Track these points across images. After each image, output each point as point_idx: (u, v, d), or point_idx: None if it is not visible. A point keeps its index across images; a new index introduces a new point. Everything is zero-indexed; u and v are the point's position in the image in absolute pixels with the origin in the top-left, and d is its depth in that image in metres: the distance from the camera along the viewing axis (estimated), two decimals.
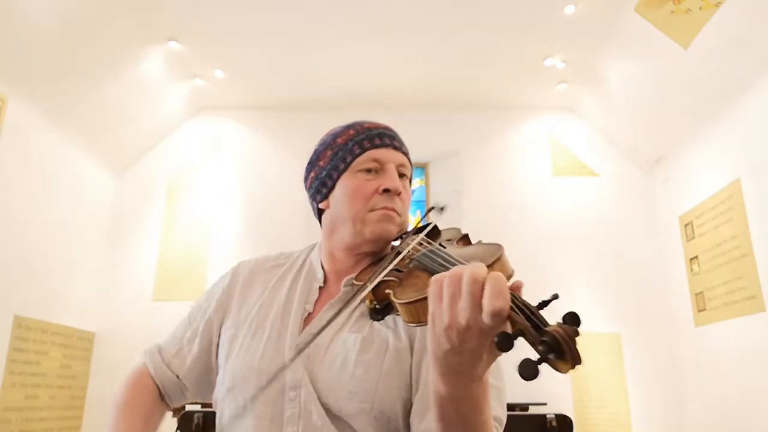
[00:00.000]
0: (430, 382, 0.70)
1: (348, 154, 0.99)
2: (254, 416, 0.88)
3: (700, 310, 4.08)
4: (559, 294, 0.59)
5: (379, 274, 0.81)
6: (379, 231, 0.96)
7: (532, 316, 0.56)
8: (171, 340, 1.07)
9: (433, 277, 0.62)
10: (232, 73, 4.66)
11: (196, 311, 1.08)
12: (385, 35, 4.21)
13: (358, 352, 0.87)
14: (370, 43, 4.31)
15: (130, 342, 4.28)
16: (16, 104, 3.58)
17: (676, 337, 4.40)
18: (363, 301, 0.90)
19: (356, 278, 0.93)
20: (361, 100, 4.96)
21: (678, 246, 4.39)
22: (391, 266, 0.82)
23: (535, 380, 0.52)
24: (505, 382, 0.88)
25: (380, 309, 0.84)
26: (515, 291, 0.60)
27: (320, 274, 1.02)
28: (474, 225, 4.60)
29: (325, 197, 1.02)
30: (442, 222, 1.01)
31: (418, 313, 0.72)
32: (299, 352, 0.88)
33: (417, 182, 5.32)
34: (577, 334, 0.53)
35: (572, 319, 0.54)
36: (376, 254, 0.99)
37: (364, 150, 0.99)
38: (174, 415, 3.14)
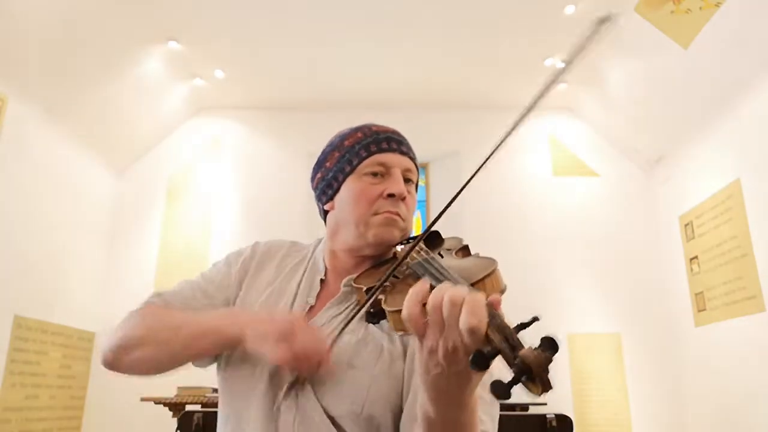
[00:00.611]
0: (419, 404, 0.72)
1: (354, 156, 0.99)
2: (252, 414, 0.88)
3: (700, 310, 4.08)
4: (539, 317, 0.60)
5: (382, 282, 0.82)
6: (382, 235, 0.96)
7: (509, 338, 0.56)
8: (175, 296, 1.01)
9: (404, 315, 0.63)
10: (232, 73, 4.66)
11: (206, 278, 1.04)
12: (385, 35, 4.21)
13: (351, 354, 0.87)
14: (370, 43, 4.31)
15: None
16: (16, 104, 3.58)
17: (676, 337, 4.40)
18: (358, 304, 0.91)
19: (355, 280, 0.93)
20: (362, 100, 4.96)
21: (678, 246, 4.39)
22: (390, 272, 0.82)
23: None
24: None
25: (375, 312, 0.85)
26: (493, 306, 0.60)
27: (322, 268, 1.03)
28: (474, 225, 4.60)
29: (331, 198, 1.02)
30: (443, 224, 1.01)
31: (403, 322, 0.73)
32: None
33: None
34: (549, 360, 0.53)
35: (549, 344, 0.54)
36: (377, 257, 1.00)
37: (370, 153, 0.99)
38: (174, 415, 3.14)
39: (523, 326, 0.58)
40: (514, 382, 0.53)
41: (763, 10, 3.09)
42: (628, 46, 4.03)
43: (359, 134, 1.02)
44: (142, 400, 3.24)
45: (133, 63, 4.16)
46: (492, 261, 0.76)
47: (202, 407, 2.86)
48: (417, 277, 0.80)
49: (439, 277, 0.73)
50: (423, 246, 0.90)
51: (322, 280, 1.01)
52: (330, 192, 1.02)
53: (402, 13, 3.93)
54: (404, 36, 4.20)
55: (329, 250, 1.04)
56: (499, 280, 0.73)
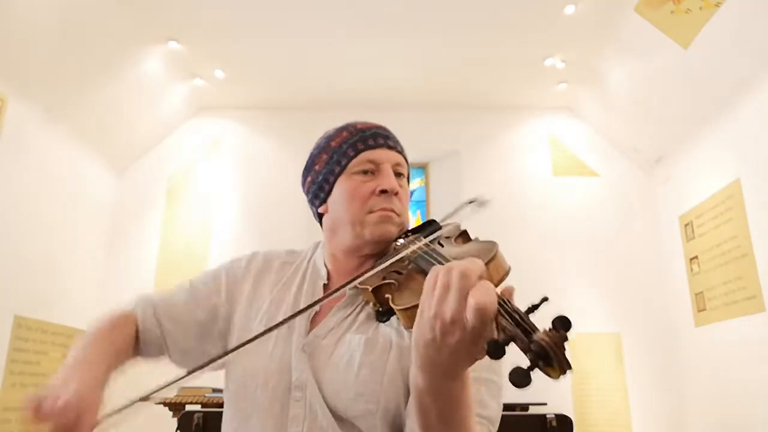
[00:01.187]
0: (410, 375, 0.71)
1: (343, 157, 0.99)
2: (260, 416, 0.88)
3: (700, 310, 4.08)
4: (548, 297, 0.59)
5: (373, 268, 0.82)
6: (380, 233, 0.96)
7: (522, 322, 0.55)
8: (167, 302, 1.04)
9: (432, 268, 0.63)
10: (232, 73, 4.66)
11: (199, 284, 1.06)
12: (385, 35, 4.21)
13: (363, 353, 0.87)
14: (371, 43, 4.31)
15: None
16: (16, 104, 3.58)
17: (676, 337, 4.40)
18: (367, 303, 0.91)
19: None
20: (361, 100, 4.96)
21: (678, 246, 4.39)
22: (384, 265, 0.82)
23: (535, 380, 0.52)
24: (502, 377, 0.88)
25: (385, 311, 0.85)
26: (507, 296, 0.60)
27: (324, 273, 1.03)
28: (474, 225, 4.57)
29: (324, 201, 1.02)
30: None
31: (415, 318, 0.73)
32: (305, 309, 0.89)
33: (417, 182, 5.32)
34: (565, 339, 0.52)
35: (562, 324, 0.53)
36: (378, 255, 0.99)
37: (358, 152, 0.98)
38: (174, 415, 3.14)
39: (534, 308, 0.57)
40: (531, 367, 0.52)
41: (763, 10, 3.09)
42: (628, 46, 4.03)
43: (345, 133, 1.01)
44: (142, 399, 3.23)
45: (133, 63, 4.16)
46: (493, 244, 0.76)
47: (202, 407, 2.86)
48: (421, 272, 0.79)
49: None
50: (421, 238, 0.90)
51: (325, 285, 1.01)
52: (322, 195, 1.02)
53: (402, 13, 3.92)
54: (404, 36, 4.20)
55: (329, 254, 1.04)
56: (502, 262, 0.73)
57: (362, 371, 0.85)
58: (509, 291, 0.62)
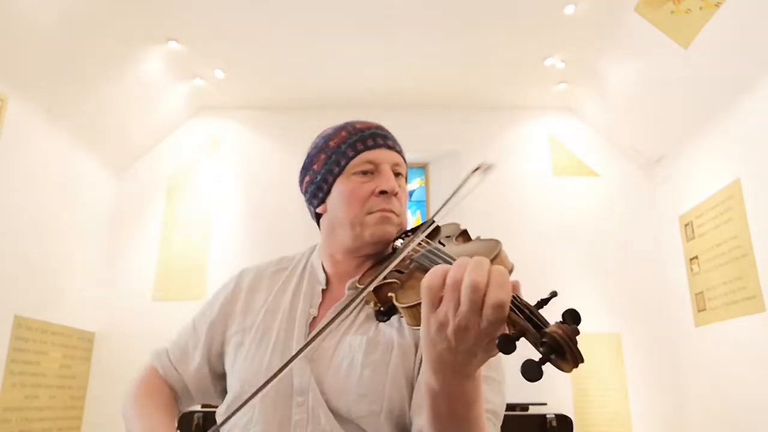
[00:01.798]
0: (423, 378, 0.70)
1: (342, 157, 0.98)
2: (262, 422, 0.87)
3: (700, 310, 4.08)
4: (557, 292, 0.59)
5: (378, 276, 0.81)
6: (379, 233, 0.95)
7: (533, 316, 0.55)
8: (176, 346, 1.07)
9: (424, 283, 0.61)
10: (232, 73, 4.65)
11: (199, 319, 1.07)
12: (385, 35, 4.21)
13: (365, 354, 0.87)
14: (370, 43, 4.30)
15: (130, 342, 4.28)
16: (16, 104, 3.58)
17: (676, 337, 4.40)
18: (367, 303, 0.90)
19: (359, 281, 0.93)
20: (361, 100, 4.96)
21: (678, 246, 4.39)
22: (389, 269, 0.82)
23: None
24: (504, 374, 0.88)
25: (385, 311, 0.85)
26: (514, 291, 0.59)
27: (322, 277, 1.02)
28: (474, 225, 4.54)
29: (322, 201, 1.02)
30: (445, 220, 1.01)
31: (420, 316, 0.72)
32: (299, 352, 0.88)
33: (417, 182, 5.32)
34: (577, 332, 0.52)
35: (572, 317, 0.53)
36: (377, 255, 0.99)
37: (357, 152, 0.98)
38: None
39: (543, 302, 0.57)
40: (543, 361, 0.52)
41: (763, 10, 3.09)
42: (628, 46, 4.03)
43: (343, 133, 1.01)
44: None
45: (133, 63, 4.15)
46: (496, 242, 0.76)
47: (202, 407, 2.86)
48: (423, 270, 0.79)
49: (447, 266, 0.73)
50: (423, 237, 0.90)
51: (323, 291, 1.00)
52: (320, 195, 1.01)
53: (402, 13, 3.92)
54: (404, 36, 4.20)
55: (328, 254, 1.03)
56: (506, 260, 0.72)
57: (365, 372, 0.85)
58: (516, 286, 0.61)
